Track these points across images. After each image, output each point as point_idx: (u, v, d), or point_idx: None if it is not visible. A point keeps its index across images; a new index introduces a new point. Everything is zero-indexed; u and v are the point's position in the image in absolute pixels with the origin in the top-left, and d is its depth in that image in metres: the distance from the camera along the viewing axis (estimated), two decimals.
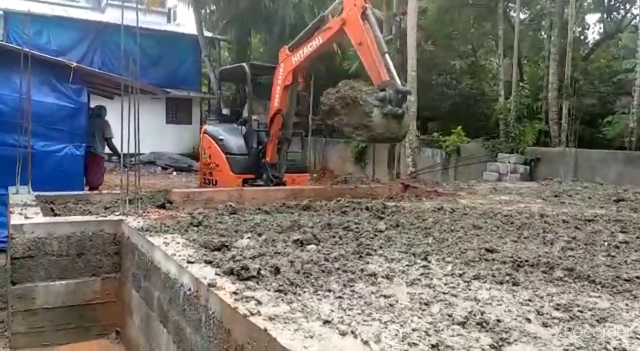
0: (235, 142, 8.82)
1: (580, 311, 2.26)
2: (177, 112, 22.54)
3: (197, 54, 22.08)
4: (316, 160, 19.59)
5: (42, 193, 5.58)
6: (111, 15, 20.37)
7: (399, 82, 6.18)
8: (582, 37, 17.68)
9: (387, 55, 6.31)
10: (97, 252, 4.22)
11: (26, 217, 4.24)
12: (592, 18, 19.38)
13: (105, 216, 4.52)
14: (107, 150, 9.18)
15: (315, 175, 17.92)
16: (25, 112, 5.95)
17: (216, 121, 10.53)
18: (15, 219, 4.17)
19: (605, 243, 3.62)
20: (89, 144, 8.16)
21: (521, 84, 14.63)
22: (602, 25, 18.12)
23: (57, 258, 4.07)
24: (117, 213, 4.60)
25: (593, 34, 19.59)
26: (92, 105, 8.44)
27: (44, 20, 18.64)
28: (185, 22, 25.93)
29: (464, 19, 18.33)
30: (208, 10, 22.70)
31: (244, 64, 9.42)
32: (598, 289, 2.61)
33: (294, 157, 9.71)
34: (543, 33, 17.46)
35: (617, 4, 17.17)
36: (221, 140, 8.90)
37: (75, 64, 7.47)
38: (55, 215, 4.99)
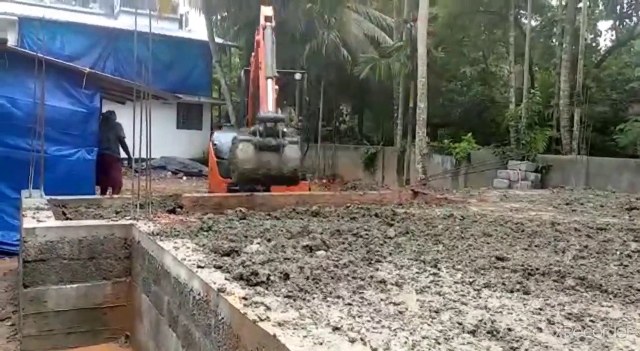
0: (228, 147, 8.80)
1: (592, 321, 2.24)
2: (188, 117, 22.74)
3: (208, 59, 22.24)
4: (326, 166, 19.62)
5: (54, 197, 5.64)
6: (124, 22, 20.65)
7: (269, 109, 5.36)
8: (593, 44, 17.59)
9: (270, 81, 5.61)
10: (108, 255, 4.25)
11: (38, 221, 4.28)
12: (604, 25, 19.25)
13: (116, 220, 4.54)
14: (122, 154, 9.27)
15: (324, 180, 17.94)
16: (39, 117, 6.02)
17: (230, 126, 10.61)
18: (27, 222, 4.22)
19: (618, 252, 3.59)
20: (108, 147, 8.24)
21: (532, 90, 14.57)
22: (614, 32, 18.03)
23: (68, 262, 4.10)
24: (128, 217, 4.63)
25: (605, 41, 19.52)
26: (104, 110, 8.53)
27: (57, 26, 18.88)
28: (197, 29, 26.14)
29: (475, 25, 18.32)
30: (219, 17, 22.87)
31: (241, 71, 9.57)
32: (610, 298, 2.59)
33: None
34: (554, 40, 17.41)
35: (630, 11, 17.09)
36: (215, 144, 8.94)
37: (88, 70, 7.56)
38: (67, 219, 5.03)
